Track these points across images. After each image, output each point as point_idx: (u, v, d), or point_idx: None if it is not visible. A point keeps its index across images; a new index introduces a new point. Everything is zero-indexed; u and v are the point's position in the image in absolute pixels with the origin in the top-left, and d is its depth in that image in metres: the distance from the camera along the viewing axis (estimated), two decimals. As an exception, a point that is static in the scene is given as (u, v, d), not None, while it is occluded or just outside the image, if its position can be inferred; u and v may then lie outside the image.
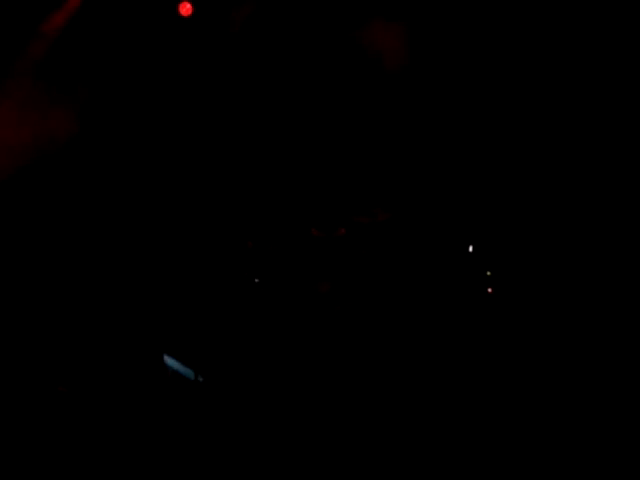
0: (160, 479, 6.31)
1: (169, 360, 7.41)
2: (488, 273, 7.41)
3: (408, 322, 7.20)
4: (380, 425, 6.33)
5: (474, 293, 7.33)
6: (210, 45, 8.21)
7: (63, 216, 7.92)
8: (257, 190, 8.13)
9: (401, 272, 7.51)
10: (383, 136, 8.11)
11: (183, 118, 8.18)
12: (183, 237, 7.99)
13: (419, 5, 7.94)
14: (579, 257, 7.22)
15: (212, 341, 7.48)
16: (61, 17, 7.96)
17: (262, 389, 7.02)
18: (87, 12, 7.93)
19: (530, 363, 6.74)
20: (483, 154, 7.73)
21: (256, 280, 7.77)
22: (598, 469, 5.69)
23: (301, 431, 6.48)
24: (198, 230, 8.03)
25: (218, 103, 8.26)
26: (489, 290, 7.37)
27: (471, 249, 7.48)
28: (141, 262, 7.93)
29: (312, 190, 8.08)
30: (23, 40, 7.74)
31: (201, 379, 7.20)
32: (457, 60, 7.94)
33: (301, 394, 6.90)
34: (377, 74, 8.09)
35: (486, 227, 7.58)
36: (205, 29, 8.25)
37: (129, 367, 7.38)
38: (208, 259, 7.96)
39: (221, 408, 6.94)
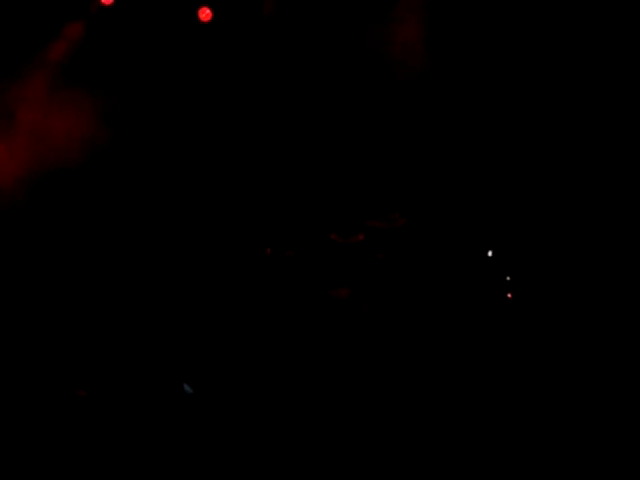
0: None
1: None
2: (508, 278, 7.37)
3: (428, 328, 7.17)
4: (405, 428, 6.32)
5: (494, 298, 7.29)
6: (230, 50, 8.25)
7: (86, 216, 7.98)
8: (276, 195, 8.12)
9: (420, 278, 7.48)
10: (400, 139, 8.08)
11: (203, 122, 8.20)
12: (201, 243, 8.00)
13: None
14: (600, 262, 7.17)
15: (232, 346, 7.50)
16: (81, 24, 8.06)
17: (281, 394, 7.02)
18: (108, 18, 8.05)
19: (549, 368, 6.71)
20: (502, 157, 7.69)
21: (275, 285, 7.76)
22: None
23: (324, 434, 6.49)
24: (216, 236, 8.03)
25: (237, 107, 8.28)
26: (509, 295, 7.33)
27: (490, 254, 7.43)
28: (158, 266, 7.95)
29: (330, 195, 8.06)
30: (45, 42, 7.84)
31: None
32: (476, 59, 7.90)
33: (320, 398, 6.89)
34: (394, 75, 8.07)
35: (505, 231, 7.54)
36: (224, 34, 8.31)
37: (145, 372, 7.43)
38: (227, 265, 7.96)
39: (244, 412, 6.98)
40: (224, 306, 7.75)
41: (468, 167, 7.80)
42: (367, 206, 7.92)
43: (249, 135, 8.17)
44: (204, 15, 8.36)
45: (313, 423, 6.77)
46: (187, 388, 7.21)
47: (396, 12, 7.95)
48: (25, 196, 7.68)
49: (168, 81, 8.19)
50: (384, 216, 7.75)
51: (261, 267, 7.87)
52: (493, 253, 7.41)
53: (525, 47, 7.63)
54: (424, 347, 7.09)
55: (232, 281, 7.86)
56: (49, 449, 6.67)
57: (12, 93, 7.74)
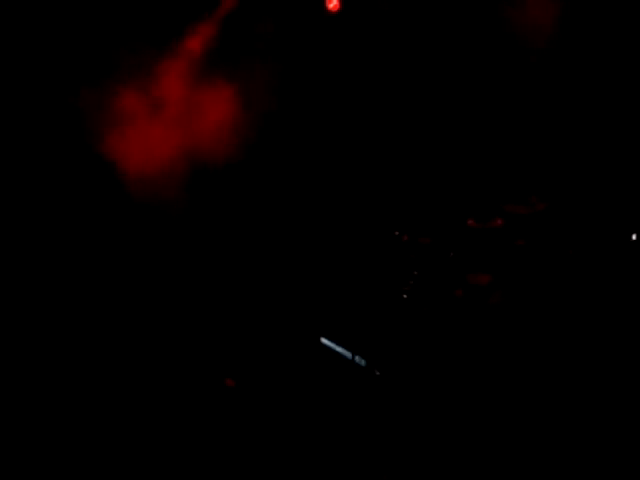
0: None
1: (328, 342, 7.56)
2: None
3: (574, 319, 7.03)
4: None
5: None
6: (359, 40, 8.27)
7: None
8: (413, 182, 8.13)
9: (563, 265, 7.36)
10: (534, 121, 7.99)
11: (340, 116, 8.26)
12: (343, 231, 8.07)
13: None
14: None
15: (373, 332, 7.54)
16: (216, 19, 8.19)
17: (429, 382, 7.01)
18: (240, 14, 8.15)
19: None
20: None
21: (414, 273, 7.77)
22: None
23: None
24: (356, 224, 8.09)
25: (369, 100, 8.31)
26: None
27: (635, 237, 7.26)
28: (301, 255, 8.05)
29: (466, 180, 8.02)
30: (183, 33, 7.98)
31: (360, 361, 7.29)
32: (605, 42, 7.74)
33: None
34: (525, 57, 7.97)
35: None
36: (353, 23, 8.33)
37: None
38: (366, 252, 8.01)
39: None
40: (363, 291, 7.83)
41: (607, 148, 7.66)
42: (504, 190, 7.85)
43: (383, 125, 8.19)
44: (332, 5, 8.41)
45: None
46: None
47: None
48: (173, 188, 7.83)
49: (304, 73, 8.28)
50: (523, 200, 7.66)
51: (398, 254, 7.89)
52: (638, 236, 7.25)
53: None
54: (565, 342, 6.94)
55: (371, 267, 7.91)
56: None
57: (158, 83, 7.89)
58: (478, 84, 8.11)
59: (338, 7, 8.38)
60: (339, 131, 8.29)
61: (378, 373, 7.38)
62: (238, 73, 8.11)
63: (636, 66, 7.68)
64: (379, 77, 8.27)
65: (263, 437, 6.65)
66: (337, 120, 8.30)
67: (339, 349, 7.58)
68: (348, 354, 7.54)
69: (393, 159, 8.19)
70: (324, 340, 7.81)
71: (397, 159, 8.18)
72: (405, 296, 7.76)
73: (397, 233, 7.90)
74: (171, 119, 7.92)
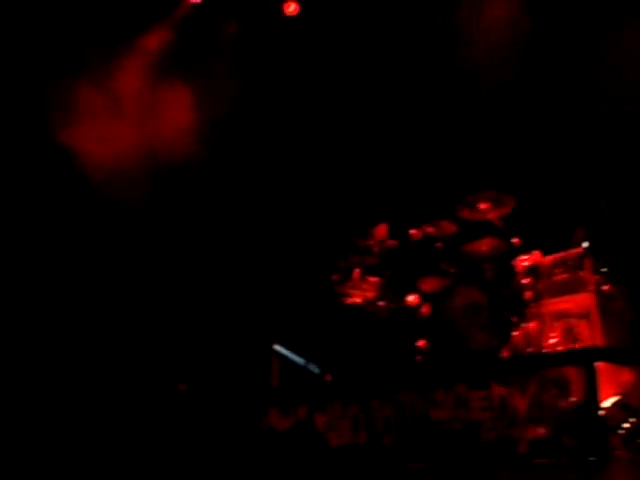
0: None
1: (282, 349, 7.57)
2: (605, 269, 7.20)
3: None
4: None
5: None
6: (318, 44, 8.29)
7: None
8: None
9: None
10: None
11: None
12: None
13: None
14: None
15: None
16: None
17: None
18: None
19: None
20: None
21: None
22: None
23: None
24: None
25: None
26: None
27: (586, 245, 7.26)
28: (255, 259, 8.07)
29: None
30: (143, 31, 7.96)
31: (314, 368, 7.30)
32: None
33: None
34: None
35: None
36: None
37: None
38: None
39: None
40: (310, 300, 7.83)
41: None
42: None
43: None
44: (290, 9, 8.43)
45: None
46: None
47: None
48: (131, 183, 7.81)
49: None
50: None
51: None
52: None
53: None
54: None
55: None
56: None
57: (117, 80, 7.87)
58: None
59: (297, 11, 8.41)
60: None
61: (330, 379, 7.41)
62: (197, 74, 8.11)
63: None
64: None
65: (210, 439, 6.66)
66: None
67: (292, 356, 7.61)
68: (301, 361, 7.57)
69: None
70: (278, 347, 7.83)
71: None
72: (359, 301, 7.80)
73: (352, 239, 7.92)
74: (130, 116, 7.91)
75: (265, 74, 8.41)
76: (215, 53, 8.27)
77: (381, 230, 7.88)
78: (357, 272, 7.85)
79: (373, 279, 7.83)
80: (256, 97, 8.34)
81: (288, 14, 8.42)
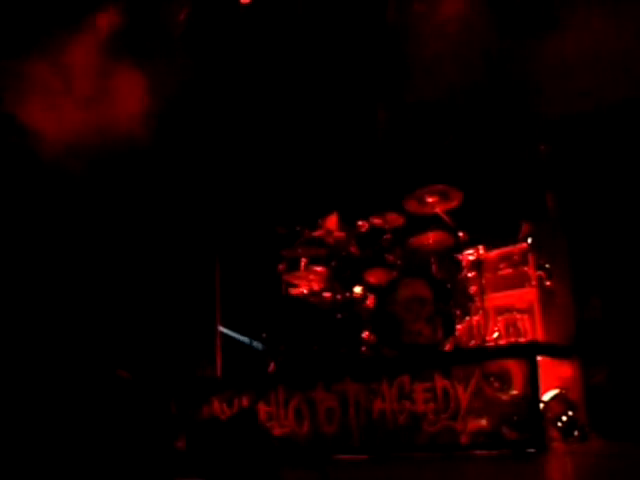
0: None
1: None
2: (547, 265, 7.30)
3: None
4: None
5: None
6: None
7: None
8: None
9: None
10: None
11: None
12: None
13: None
14: None
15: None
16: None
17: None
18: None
19: None
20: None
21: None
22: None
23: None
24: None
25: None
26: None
27: (530, 240, 7.35)
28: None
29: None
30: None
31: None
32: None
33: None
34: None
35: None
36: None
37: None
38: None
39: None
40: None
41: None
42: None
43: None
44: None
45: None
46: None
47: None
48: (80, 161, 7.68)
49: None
50: None
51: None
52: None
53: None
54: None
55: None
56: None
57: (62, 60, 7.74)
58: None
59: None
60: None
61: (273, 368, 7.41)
62: (149, 57, 8.01)
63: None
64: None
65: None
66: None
67: (237, 336, 7.61)
68: (246, 339, 7.58)
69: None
70: (223, 329, 7.83)
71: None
72: (305, 292, 7.81)
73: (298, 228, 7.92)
74: (81, 95, 7.80)
75: (216, 59, 8.33)
76: (166, 36, 8.17)
77: (331, 221, 7.89)
78: (304, 262, 7.85)
79: (320, 269, 7.83)
80: (207, 82, 8.27)
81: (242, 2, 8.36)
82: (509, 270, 7.10)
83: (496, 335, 6.96)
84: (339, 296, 7.66)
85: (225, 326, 8.17)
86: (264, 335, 7.60)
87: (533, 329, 6.85)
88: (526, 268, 7.02)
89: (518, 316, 6.90)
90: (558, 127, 7.47)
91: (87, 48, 7.77)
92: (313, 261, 7.87)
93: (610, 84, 6.82)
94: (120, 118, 7.67)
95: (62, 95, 7.63)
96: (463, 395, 6.16)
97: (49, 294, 7.55)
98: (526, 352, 6.15)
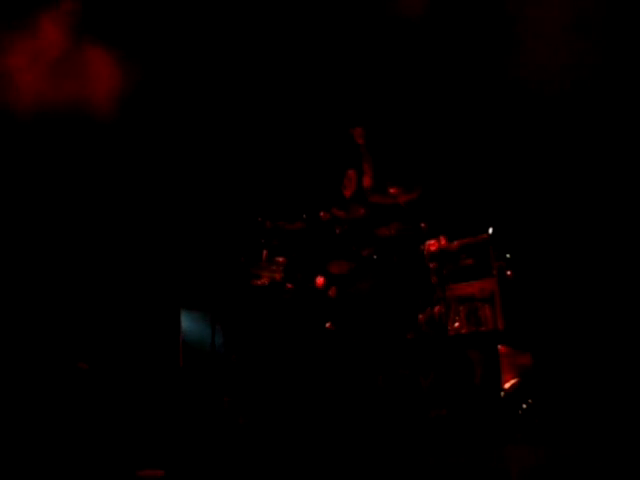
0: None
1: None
2: (507, 255, 7.39)
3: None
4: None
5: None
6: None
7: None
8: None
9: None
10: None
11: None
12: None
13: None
14: None
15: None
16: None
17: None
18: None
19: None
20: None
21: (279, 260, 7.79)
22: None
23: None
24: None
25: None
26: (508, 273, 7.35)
27: (491, 231, 7.43)
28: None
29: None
30: None
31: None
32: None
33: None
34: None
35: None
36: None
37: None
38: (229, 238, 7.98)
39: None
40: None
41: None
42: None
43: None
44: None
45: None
46: None
47: None
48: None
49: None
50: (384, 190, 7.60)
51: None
52: (494, 230, 7.40)
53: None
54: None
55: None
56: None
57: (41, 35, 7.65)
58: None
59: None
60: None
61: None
62: (120, 39, 7.94)
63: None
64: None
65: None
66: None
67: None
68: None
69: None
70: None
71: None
72: (266, 282, 7.78)
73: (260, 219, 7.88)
74: (55, 71, 7.71)
75: (187, 47, 8.29)
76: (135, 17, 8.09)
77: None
78: (265, 253, 7.83)
79: (281, 260, 7.82)
80: (175, 68, 8.22)
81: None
82: (469, 260, 7.14)
83: (457, 324, 7.00)
84: (300, 287, 7.65)
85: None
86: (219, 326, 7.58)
87: (493, 318, 6.91)
88: (486, 258, 7.07)
89: (479, 305, 6.94)
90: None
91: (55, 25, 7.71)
92: (275, 252, 7.86)
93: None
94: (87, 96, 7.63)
95: (38, 70, 7.57)
96: (424, 383, 6.20)
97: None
98: (487, 341, 6.21)
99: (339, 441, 6.22)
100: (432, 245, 7.29)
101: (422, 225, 7.45)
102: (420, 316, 7.04)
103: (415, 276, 7.22)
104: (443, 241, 7.28)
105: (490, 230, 7.23)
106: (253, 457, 5.75)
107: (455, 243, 7.22)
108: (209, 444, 6.19)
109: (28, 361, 7.14)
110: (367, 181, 7.84)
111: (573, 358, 6.79)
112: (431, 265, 7.22)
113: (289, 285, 7.73)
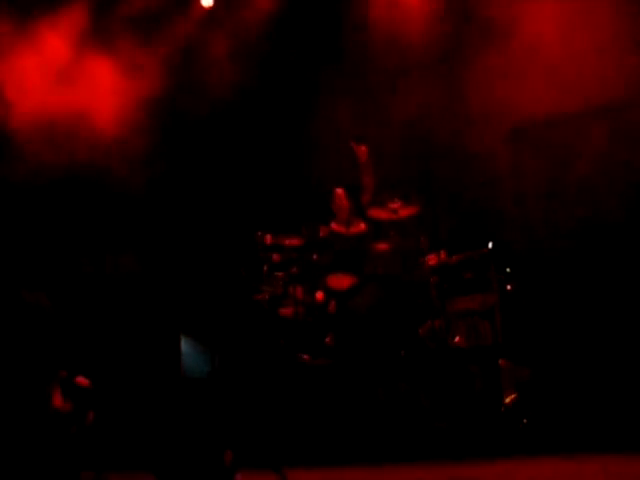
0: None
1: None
2: (508, 270, 7.41)
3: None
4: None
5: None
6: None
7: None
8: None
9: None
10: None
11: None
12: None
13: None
14: None
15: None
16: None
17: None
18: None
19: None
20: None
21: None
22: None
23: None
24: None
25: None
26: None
27: (491, 245, 7.45)
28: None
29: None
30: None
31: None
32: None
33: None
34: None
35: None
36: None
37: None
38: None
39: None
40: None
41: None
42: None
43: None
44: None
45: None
46: None
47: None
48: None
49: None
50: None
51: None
52: (493, 245, 7.41)
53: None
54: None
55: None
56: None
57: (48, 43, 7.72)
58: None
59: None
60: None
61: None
62: (124, 46, 8.01)
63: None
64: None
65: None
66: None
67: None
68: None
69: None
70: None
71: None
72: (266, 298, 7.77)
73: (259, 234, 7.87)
74: (61, 78, 7.78)
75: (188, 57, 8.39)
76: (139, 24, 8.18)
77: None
78: (265, 268, 7.83)
79: (281, 275, 7.82)
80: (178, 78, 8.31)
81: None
82: (470, 274, 7.15)
83: (457, 338, 7.01)
84: (300, 301, 7.64)
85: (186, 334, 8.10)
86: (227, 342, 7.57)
87: (493, 333, 6.91)
88: (486, 273, 7.09)
89: (479, 320, 6.95)
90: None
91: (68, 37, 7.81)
92: (275, 267, 7.86)
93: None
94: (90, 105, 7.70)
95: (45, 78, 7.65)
96: (425, 397, 6.20)
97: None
98: (487, 355, 6.22)
99: (341, 454, 6.23)
100: (432, 259, 7.30)
101: (423, 239, 7.46)
102: (420, 330, 7.05)
103: (415, 290, 7.23)
104: (443, 255, 7.30)
105: (490, 244, 7.26)
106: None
107: (455, 257, 7.24)
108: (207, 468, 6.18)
109: (30, 383, 7.13)
110: (366, 197, 7.84)
111: (573, 372, 6.79)
112: (431, 279, 7.24)
113: (289, 299, 7.72)
